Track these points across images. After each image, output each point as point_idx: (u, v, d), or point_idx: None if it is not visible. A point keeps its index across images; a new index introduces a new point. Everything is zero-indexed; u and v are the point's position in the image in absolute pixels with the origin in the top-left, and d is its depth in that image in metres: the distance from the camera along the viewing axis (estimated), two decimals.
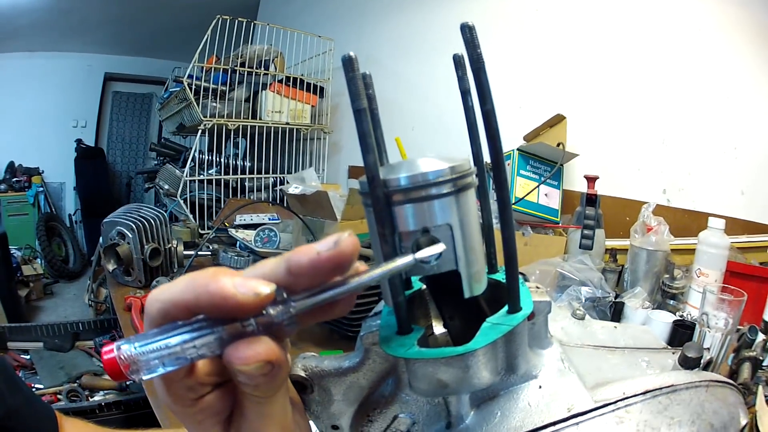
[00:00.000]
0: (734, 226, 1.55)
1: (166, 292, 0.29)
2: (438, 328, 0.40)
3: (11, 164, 5.72)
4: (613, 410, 0.35)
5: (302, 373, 0.40)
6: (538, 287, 0.39)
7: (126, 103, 7.00)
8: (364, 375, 0.40)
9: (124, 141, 7.10)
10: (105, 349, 0.27)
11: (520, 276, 0.38)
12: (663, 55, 1.85)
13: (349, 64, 0.29)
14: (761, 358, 0.98)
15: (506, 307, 0.34)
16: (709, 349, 0.97)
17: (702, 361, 0.52)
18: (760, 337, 1.00)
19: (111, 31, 5.66)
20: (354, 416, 0.41)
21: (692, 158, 1.79)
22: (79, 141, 6.24)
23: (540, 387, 0.36)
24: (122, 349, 0.27)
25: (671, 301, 1.40)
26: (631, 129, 1.95)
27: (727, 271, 1.38)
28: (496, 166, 0.32)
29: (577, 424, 0.33)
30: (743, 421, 0.40)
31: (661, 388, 0.38)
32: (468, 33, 0.31)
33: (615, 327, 0.57)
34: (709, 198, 1.73)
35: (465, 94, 0.36)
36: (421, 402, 0.37)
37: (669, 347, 0.55)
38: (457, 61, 0.36)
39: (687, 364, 0.52)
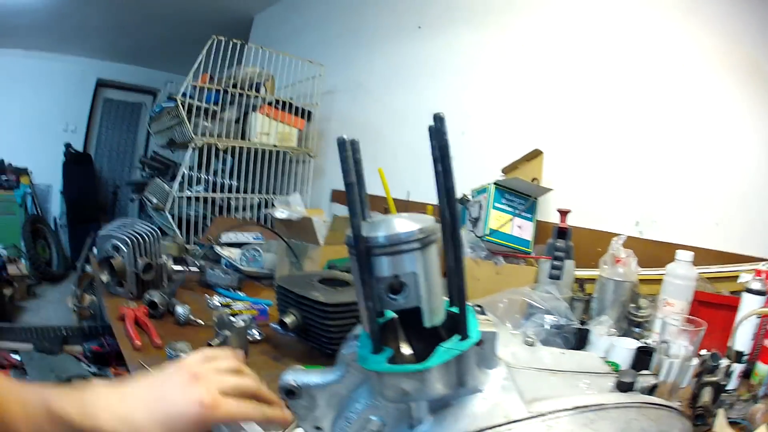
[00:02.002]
0: (707, 256, 1.60)
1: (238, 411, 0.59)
2: (405, 349, 0.49)
3: (1, 162, 5.62)
4: (543, 420, 0.44)
5: (293, 383, 0.51)
6: (487, 319, 0.48)
7: (116, 110, 6.97)
8: (344, 385, 0.50)
9: (112, 149, 7.04)
10: None
11: (475, 309, 0.47)
12: (641, 90, 1.92)
13: (342, 146, 0.38)
14: (724, 383, 1.04)
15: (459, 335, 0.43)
16: (657, 374, 1.05)
17: (643, 385, 0.60)
18: (724, 362, 1.08)
19: (108, 37, 5.65)
20: (334, 419, 0.51)
21: (666, 191, 1.84)
22: (68, 145, 6.16)
23: (484, 399, 0.45)
24: None
25: (636, 329, 1.45)
26: (606, 161, 2.01)
27: (695, 300, 1.43)
28: (452, 232, 0.41)
29: (510, 430, 0.42)
30: None
31: (589, 406, 0.46)
32: (438, 123, 0.39)
33: (562, 353, 0.65)
34: (683, 230, 1.77)
35: (437, 161, 0.41)
36: (389, 407, 0.47)
37: (613, 372, 0.63)
38: (432, 132, 0.41)
39: (621, 387, 0.59)
